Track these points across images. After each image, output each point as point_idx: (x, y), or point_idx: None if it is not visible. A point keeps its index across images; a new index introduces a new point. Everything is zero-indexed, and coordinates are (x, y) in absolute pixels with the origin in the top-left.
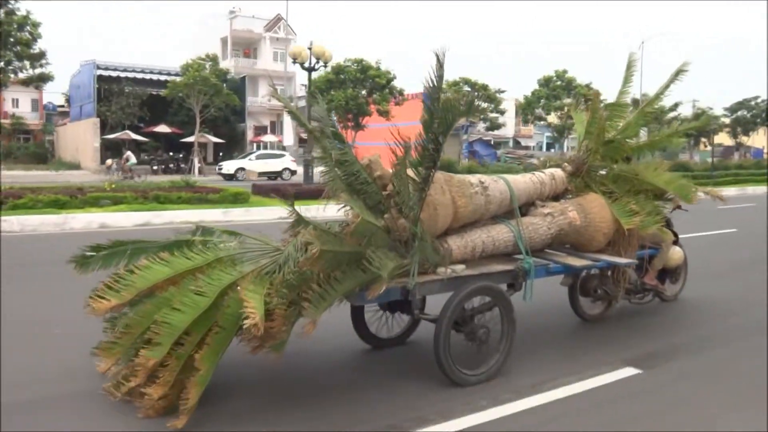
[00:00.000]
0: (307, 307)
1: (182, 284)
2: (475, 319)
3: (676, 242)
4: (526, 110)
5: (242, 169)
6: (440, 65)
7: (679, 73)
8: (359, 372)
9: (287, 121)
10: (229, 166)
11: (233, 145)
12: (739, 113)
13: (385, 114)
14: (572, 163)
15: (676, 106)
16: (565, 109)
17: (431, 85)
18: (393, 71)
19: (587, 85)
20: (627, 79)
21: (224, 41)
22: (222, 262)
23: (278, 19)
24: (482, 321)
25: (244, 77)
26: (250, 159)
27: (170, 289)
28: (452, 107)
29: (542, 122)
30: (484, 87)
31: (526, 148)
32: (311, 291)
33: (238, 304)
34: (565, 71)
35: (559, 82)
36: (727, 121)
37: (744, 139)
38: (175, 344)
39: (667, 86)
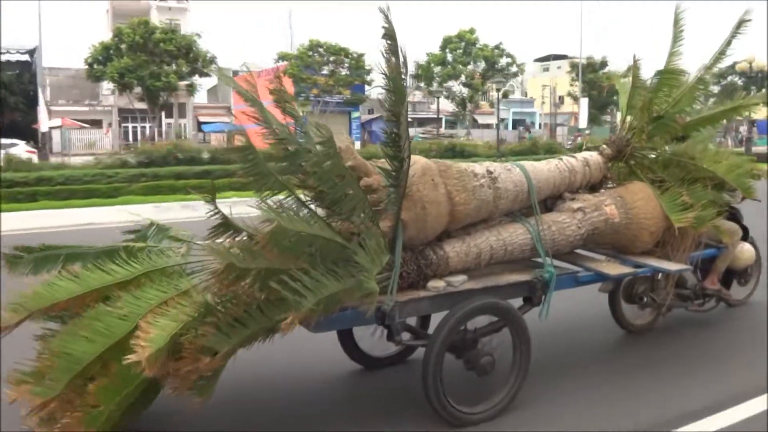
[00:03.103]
0: (208, 335)
1: (107, 303)
2: (479, 344)
3: (745, 238)
4: (420, 78)
5: None
6: (390, 25)
7: (741, 24)
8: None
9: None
10: None
11: (27, 134)
12: (729, 79)
13: (191, 90)
14: (612, 144)
15: (629, 71)
16: (463, 76)
17: (386, 49)
18: (200, 34)
19: (497, 47)
20: (676, 37)
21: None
22: (165, 274)
23: None
24: (488, 347)
25: (32, 50)
26: None
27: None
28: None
29: (442, 94)
30: (344, 50)
31: (488, 126)
32: (220, 315)
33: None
34: (472, 30)
35: (462, 43)
36: (715, 89)
37: None
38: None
39: (728, 43)
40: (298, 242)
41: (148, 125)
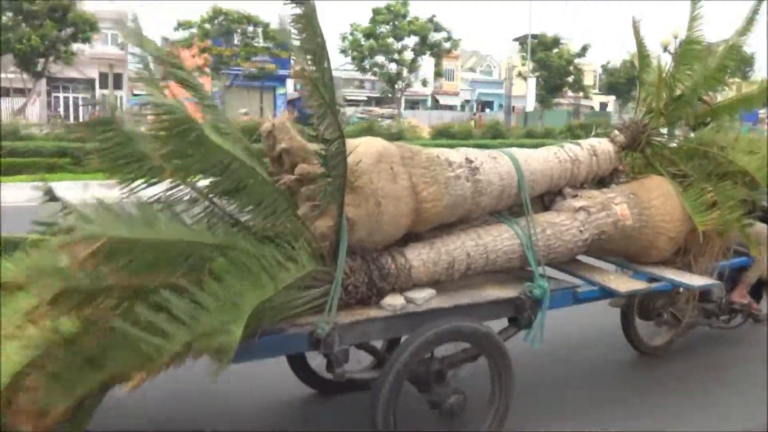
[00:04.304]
0: (38, 384)
1: None
2: (448, 377)
3: None
4: (346, 53)
5: None
6: None
7: None
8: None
9: None
10: None
11: None
12: None
13: (67, 58)
14: (626, 131)
15: (584, 50)
16: (396, 54)
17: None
18: None
19: (430, 20)
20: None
21: None
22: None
23: None
24: (457, 381)
25: None
26: None
27: None
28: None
29: (370, 72)
30: (248, 18)
31: (450, 107)
32: (61, 355)
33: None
34: (405, 2)
35: (391, 16)
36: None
37: None
38: None
39: (757, 7)
40: (164, 254)
41: (80, 96)
